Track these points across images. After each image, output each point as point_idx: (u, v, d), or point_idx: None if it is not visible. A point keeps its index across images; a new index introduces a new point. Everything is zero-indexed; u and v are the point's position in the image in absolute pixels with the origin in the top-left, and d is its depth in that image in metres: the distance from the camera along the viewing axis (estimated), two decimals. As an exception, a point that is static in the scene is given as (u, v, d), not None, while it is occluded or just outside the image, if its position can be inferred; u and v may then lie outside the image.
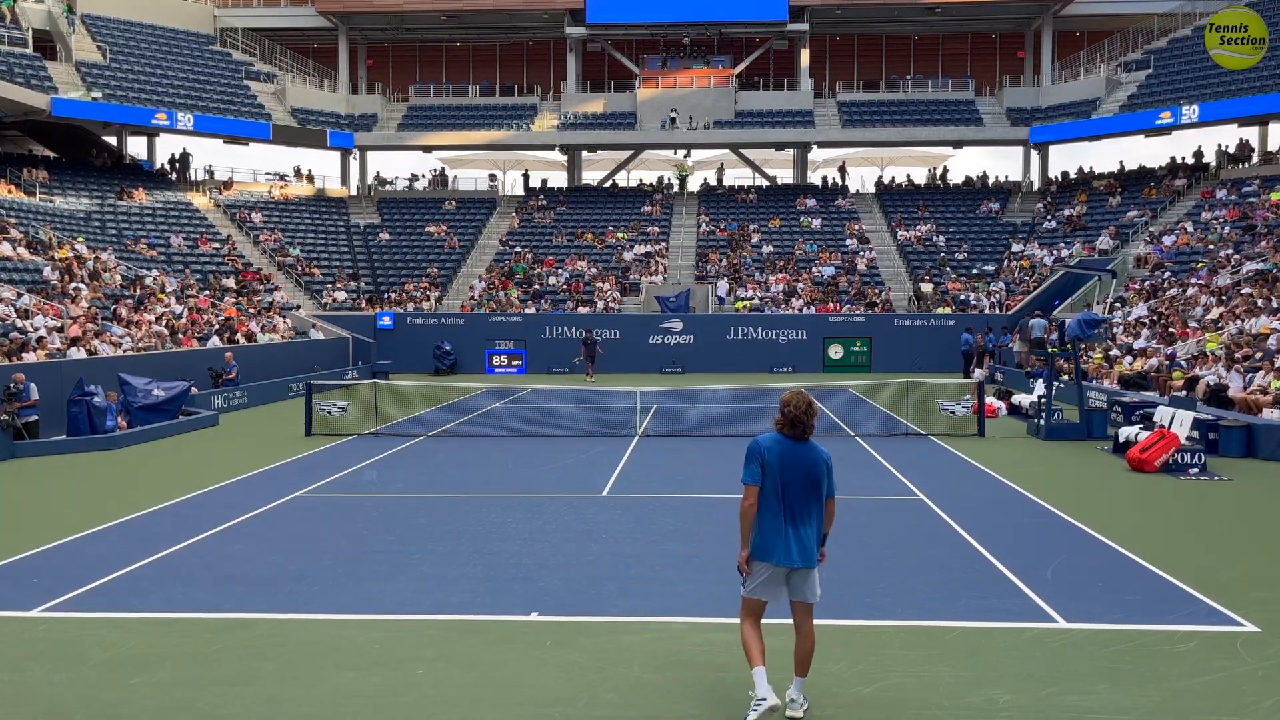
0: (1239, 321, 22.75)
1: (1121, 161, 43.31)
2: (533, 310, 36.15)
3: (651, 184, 49.24)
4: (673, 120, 43.59)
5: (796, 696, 5.66)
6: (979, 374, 25.46)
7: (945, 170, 47.29)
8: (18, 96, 34.09)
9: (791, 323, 34.80)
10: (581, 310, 36.04)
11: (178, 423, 19.23)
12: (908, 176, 48.42)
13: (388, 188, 46.87)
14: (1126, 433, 15.82)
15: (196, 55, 43.53)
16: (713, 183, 48.32)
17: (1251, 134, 40.59)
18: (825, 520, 5.79)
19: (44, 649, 7.00)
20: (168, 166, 43.03)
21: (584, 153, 49.06)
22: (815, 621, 5.80)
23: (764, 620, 5.83)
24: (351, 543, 10.07)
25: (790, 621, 5.86)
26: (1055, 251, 37.18)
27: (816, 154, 50.45)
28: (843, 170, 47.21)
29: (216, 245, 37.12)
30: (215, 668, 6.60)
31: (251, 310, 31.79)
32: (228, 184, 43.13)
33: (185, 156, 43.17)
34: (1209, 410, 16.87)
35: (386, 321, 35.21)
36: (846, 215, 42.89)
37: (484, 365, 34.65)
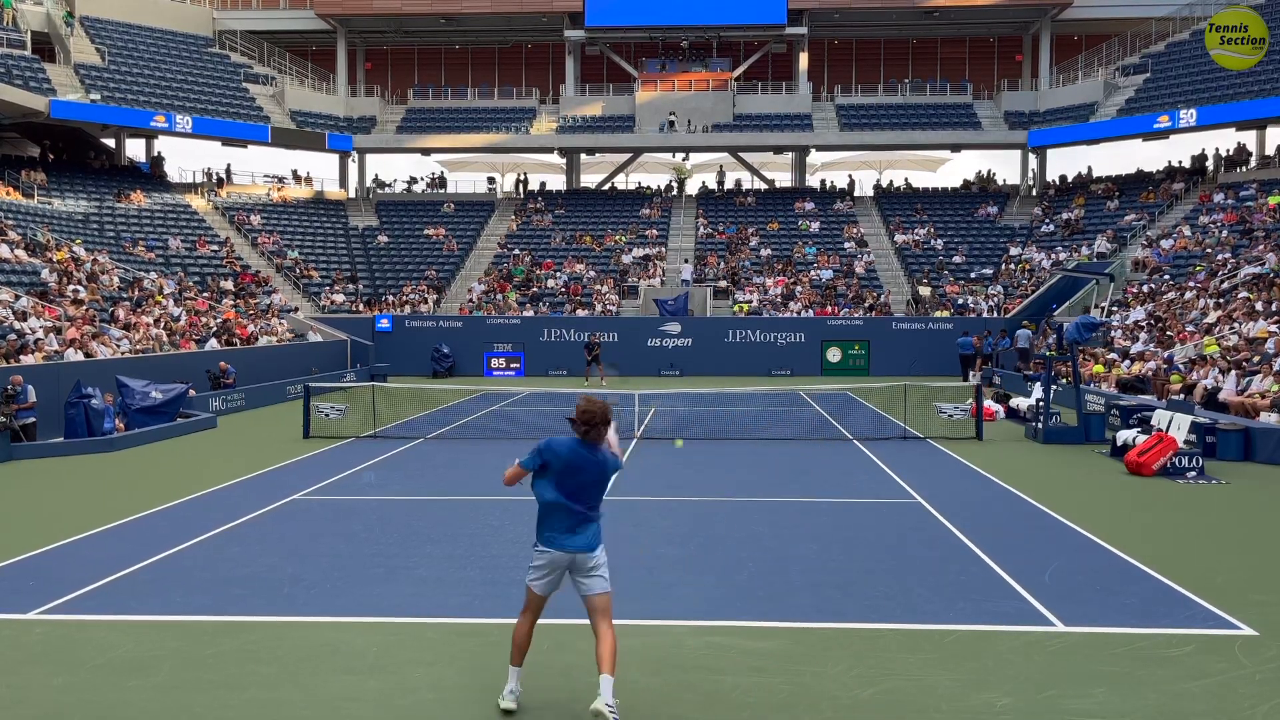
0: (1236, 325, 22.77)
1: (1119, 165, 43.45)
2: (531, 313, 36.15)
3: (650, 187, 49.23)
4: (671, 123, 43.62)
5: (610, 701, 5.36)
6: (973, 377, 25.53)
7: (990, 173, 46.35)
8: (16, 98, 34.09)
9: (789, 325, 34.80)
10: (580, 313, 36.05)
11: (175, 425, 19.21)
12: (905, 180, 48.42)
13: (386, 190, 46.88)
14: (1124, 436, 15.83)
15: (195, 58, 43.53)
16: (712, 186, 48.35)
17: (1249, 138, 40.71)
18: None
19: (41, 652, 6.99)
20: (149, 166, 43.11)
21: (582, 156, 49.09)
22: (819, 625, 5.74)
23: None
24: (349, 545, 10.05)
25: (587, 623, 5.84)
26: (1053, 255, 37.22)
27: (815, 157, 50.49)
28: (851, 184, 46.90)
29: (214, 247, 37.11)
30: (213, 671, 6.59)
31: (250, 313, 31.77)
32: (224, 181, 43.14)
33: (160, 158, 43.47)
34: (1207, 414, 16.88)
35: (385, 324, 35.23)
36: (845, 218, 42.92)
37: (482, 368, 34.65)
